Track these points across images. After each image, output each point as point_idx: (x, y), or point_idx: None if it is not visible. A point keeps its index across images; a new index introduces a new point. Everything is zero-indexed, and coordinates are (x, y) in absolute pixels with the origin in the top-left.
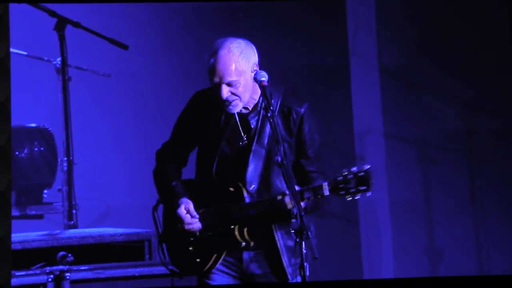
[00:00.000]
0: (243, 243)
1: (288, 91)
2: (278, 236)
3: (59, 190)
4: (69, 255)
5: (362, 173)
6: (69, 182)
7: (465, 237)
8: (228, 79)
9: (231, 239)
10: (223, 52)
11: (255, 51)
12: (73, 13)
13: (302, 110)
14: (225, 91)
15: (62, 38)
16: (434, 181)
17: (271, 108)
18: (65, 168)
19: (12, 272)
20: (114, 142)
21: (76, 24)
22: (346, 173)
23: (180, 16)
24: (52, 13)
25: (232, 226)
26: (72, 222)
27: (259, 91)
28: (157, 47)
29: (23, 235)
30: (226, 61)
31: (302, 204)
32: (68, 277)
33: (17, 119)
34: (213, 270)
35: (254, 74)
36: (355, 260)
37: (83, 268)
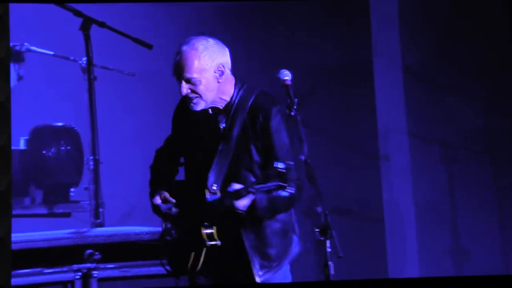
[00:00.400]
0: (208, 243)
1: (262, 93)
2: (244, 237)
3: (86, 188)
4: (96, 253)
5: (283, 170)
6: (96, 180)
7: (489, 236)
8: (187, 75)
9: (200, 239)
10: (186, 49)
11: (226, 52)
12: (98, 13)
13: (271, 112)
14: (184, 88)
15: (87, 38)
16: (458, 180)
17: (295, 107)
18: (91, 167)
19: (41, 269)
20: (139, 140)
21: (101, 24)
22: (270, 171)
23: (203, 15)
24: (78, 13)
25: (198, 226)
26: (99, 220)
27: (230, 92)
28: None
29: (51, 233)
30: (187, 57)
31: (247, 202)
32: (95, 275)
33: (44, 119)
34: (197, 275)
35: (277, 74)
36: (380, 259)
37: (109, 266)
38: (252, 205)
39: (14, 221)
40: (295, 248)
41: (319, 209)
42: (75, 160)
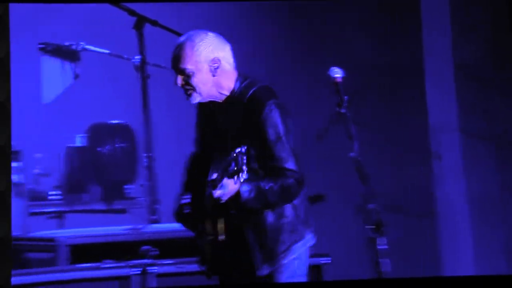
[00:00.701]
0: (208, 237)
1: (262, 87)
2: (245, 231)
3: (141, 185)
4: (153, 249)
5: (234, 154)
6: (151, 177)
7: None
8: (181, 66)
9: (208, 235)
10: (183, 39)
11: (226, 47)
12: (151, 12)
13: (265, 104)
14: (179, 79)
15: (141, 37)
16: (511, 178)
17: (345, 105)
18: (146, 164)
19: (98, 264)
20: (192, 137)
21: (154, 23)
22: (230, 157)
23: (250, 15)
24: (131, 12)
25: (204, 222)
26: (154, 217)
27: (230, 86)
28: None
29: (109, 229)
30: (182, 48)
31: (226, 191)
32: (153, 271)
33: (99, 116)
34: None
35: (328, 71)
36: (433, 257)
37: (166, 262)
38: (237, 195)
39: (73, 216)
40: (306, 242)
41: (371, 206)
42: (130, 157)
